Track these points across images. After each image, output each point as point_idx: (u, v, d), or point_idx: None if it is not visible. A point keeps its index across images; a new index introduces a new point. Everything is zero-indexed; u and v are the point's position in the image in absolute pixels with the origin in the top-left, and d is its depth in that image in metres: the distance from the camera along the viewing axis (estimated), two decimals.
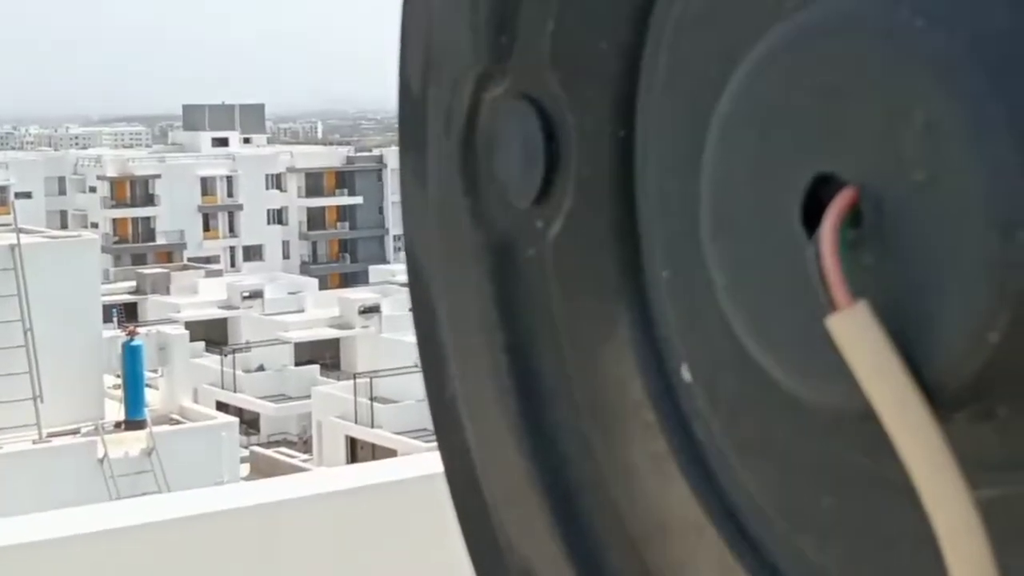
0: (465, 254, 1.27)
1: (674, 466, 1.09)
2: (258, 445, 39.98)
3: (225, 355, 44.99)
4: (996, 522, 0.81)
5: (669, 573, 1.12)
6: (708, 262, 0.96)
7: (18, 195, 63.16)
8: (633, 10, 1.09)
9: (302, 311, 51.40)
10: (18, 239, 21.39)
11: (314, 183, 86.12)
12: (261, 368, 45.73)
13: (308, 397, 41.02)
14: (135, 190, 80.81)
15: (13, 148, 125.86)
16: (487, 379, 1.26)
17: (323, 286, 61.74)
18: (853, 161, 0.84)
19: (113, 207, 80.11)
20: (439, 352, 1.34)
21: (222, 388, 43.33)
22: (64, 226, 67.58)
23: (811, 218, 0.86)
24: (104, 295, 27.38)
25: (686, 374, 1.07)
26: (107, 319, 26.72)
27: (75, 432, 21.75)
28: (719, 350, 1.00)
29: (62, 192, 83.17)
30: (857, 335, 0.82)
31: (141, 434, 22.04)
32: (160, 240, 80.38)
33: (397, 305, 45.42)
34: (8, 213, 28.66)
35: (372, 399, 37.06)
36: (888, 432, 0.82)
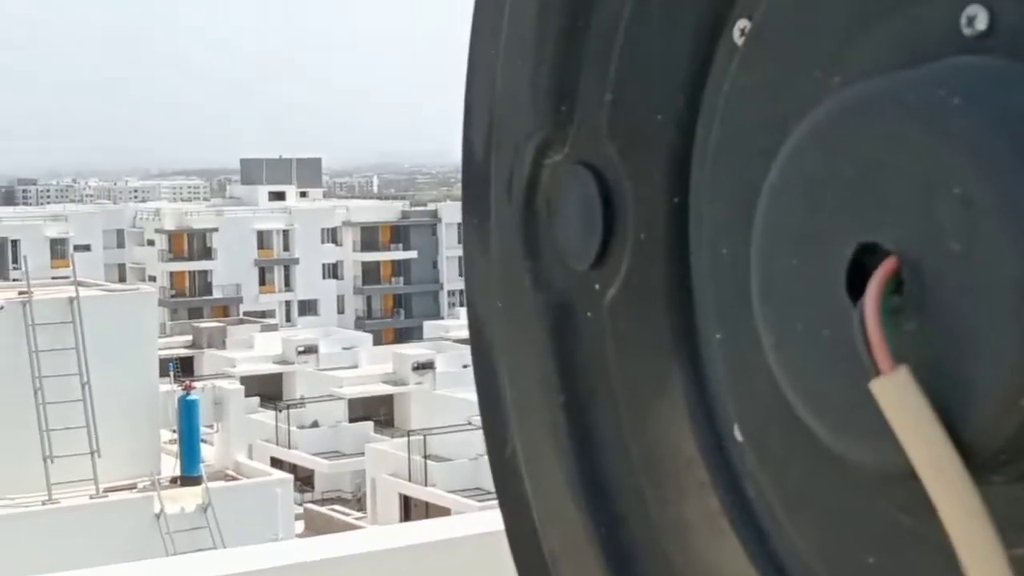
0: (525, 315, 1.31)
1: (726, 522, 1.13)
2: (312, 502, 39.88)
3: (280, 411, 44.99)
4: None
5: None
6: (757, 324, 1.00)
7: (77, 248, 63.47)
8: (687, 84, 1.14)
9: (356, 367, 51.32)
10: (77, 292, 21.54)
11: (369, 237, 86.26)
12: (315, 424, 45.65)
13: (362, 454, 40.84)
14: (192, 243, 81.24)
15: (73, 201, 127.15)
16: (546, 436, 1.30)
17: (377, 341, 61.61)
18: (894, 232, 0.89)
19: (170, 260, 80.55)
20: (499, 410, 1.38)
21: (277, 444, 43.31)
22: (122, 279, 68.05)
23: (855, 285, 0.91)
24: (161, 349, 27.46)
25: (738, 433, 1.12)
26: (163, 373, 26.76)
27: (132, 487, 21.78)
28: (768, 410, 1.05)
29: (120, 245, 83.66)
30: (899, 398, 0.86)
31: (197, 490, 22.01)
32: (216, 294, 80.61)
33: (451, 361, 45.30)
34: (67, 266, 28.89)
35: (426, 457, 36.94)
36: (927, 491, 0.86)
